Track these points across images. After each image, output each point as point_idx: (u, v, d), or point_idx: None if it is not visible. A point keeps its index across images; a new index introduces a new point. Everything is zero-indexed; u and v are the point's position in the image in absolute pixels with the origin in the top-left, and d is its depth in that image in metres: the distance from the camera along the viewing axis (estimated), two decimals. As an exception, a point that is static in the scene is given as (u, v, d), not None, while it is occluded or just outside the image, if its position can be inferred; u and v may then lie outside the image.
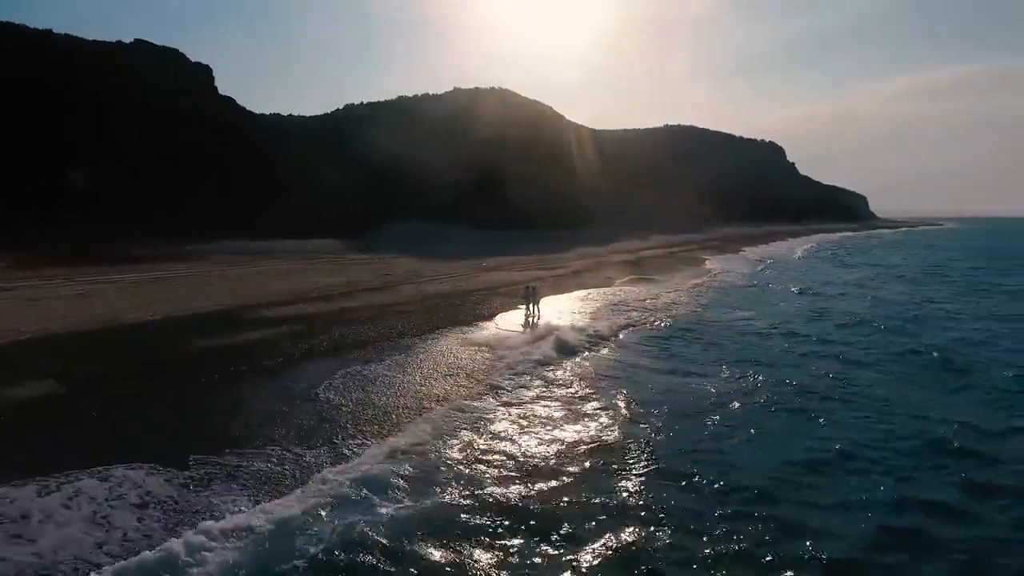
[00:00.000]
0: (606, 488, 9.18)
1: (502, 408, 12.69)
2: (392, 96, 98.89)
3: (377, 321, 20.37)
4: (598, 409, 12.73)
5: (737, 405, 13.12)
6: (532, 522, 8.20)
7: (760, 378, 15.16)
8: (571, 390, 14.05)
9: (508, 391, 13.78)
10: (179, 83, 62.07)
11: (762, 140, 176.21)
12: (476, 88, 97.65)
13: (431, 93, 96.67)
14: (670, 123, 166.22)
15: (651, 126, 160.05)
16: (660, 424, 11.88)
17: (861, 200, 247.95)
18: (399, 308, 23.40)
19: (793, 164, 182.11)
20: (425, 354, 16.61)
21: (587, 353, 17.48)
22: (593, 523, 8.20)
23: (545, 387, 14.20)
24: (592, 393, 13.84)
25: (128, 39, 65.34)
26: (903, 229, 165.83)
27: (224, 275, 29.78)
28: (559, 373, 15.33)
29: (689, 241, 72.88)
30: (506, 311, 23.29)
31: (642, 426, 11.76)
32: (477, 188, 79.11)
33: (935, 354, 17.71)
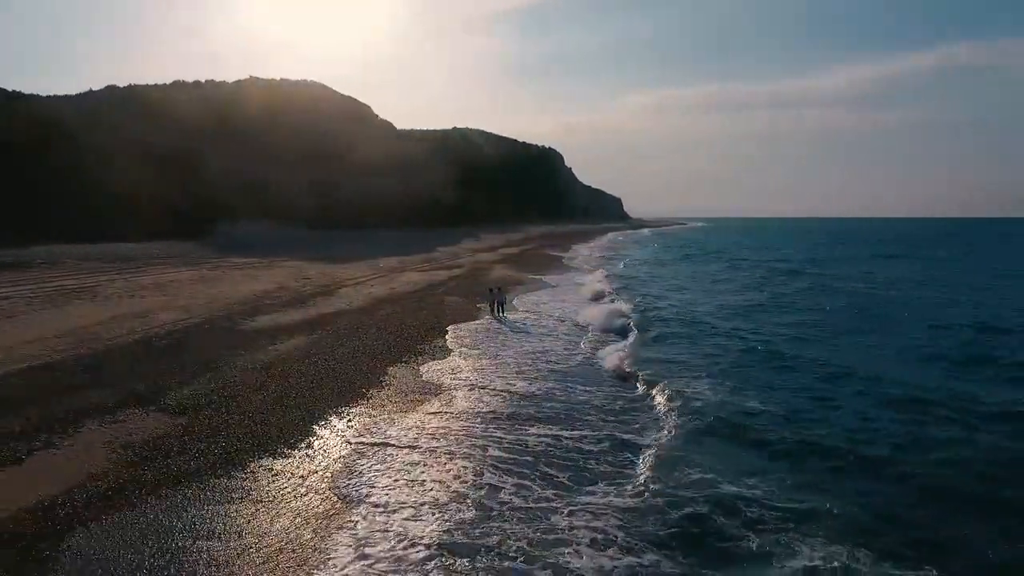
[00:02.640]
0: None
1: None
2: (186, 79, 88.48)
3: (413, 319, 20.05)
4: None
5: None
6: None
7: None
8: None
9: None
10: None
11: (545, 146, 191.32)
12: (284, 80, 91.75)
13: (238, 80, 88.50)
14: (458, 126, 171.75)
15: (441, 127, 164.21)
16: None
17: (617, 201, 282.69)
18: (400, 308, 22.89)
19: (570, 168, 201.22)
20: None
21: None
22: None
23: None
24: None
25: None
26: (667, 228, 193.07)
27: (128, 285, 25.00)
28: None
29: (525, 239, 77.76)
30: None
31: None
32: (307, 187, 75.01)
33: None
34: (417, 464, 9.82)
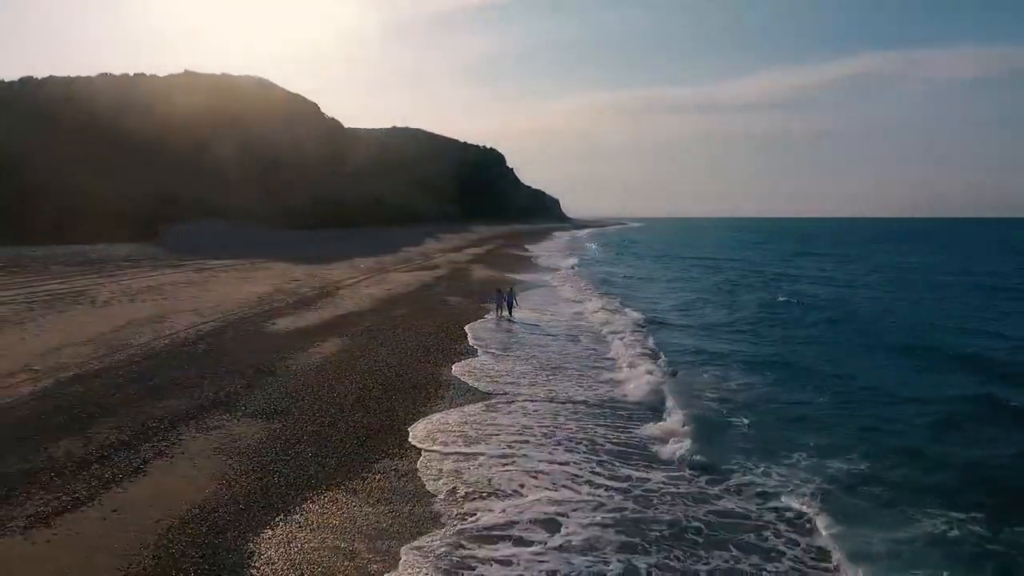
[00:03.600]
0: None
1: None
2: (114, 72, 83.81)
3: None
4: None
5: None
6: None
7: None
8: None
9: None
10: None
11: (487, 147, 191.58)
12: (225, 75, 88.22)
13: (172, 74, 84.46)
14: (397, 125, 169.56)
15: (381, 127, 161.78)
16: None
17: (556, 202, 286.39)
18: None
19: (512, 169, 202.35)
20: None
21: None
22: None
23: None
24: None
25: None
26: (609, 228, 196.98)
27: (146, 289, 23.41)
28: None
29: (481, 239, 77.93)
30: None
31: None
32: (253, 186, 72.44)
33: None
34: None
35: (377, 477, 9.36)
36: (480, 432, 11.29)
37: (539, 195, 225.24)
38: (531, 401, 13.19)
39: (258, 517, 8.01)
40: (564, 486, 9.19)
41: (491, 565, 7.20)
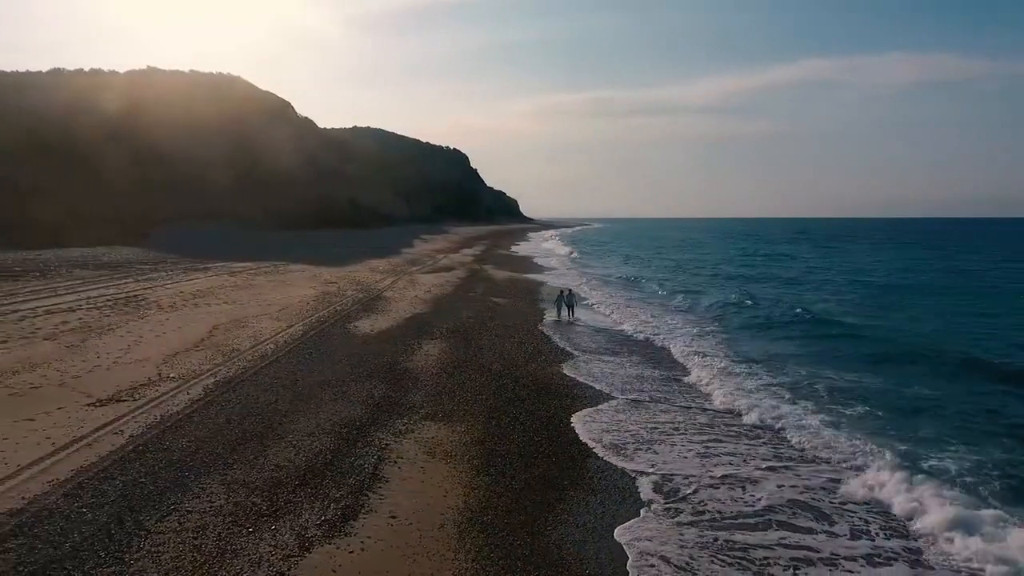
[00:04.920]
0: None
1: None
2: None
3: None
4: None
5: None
6: None
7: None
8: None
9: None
10: None
11: (450, 147, 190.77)
12: (194, 71, 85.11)
13: (134, 70, 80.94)
14: (359, 124, 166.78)
15: (344, 126, 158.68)
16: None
17: (515, 203, 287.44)
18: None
19: (476, 170, 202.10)
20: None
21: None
22: None
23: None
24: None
25: None
26: (574, 228, 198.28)
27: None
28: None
29: (466, 240, 77.68)
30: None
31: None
32: (232, 186, 70.21)
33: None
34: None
35: (589, 474, 9.56)
36: (644, 429, 11.57)
37: (502, 196, 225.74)
38: (655, 401, 13.49)
39: (518, 517, 8.09)
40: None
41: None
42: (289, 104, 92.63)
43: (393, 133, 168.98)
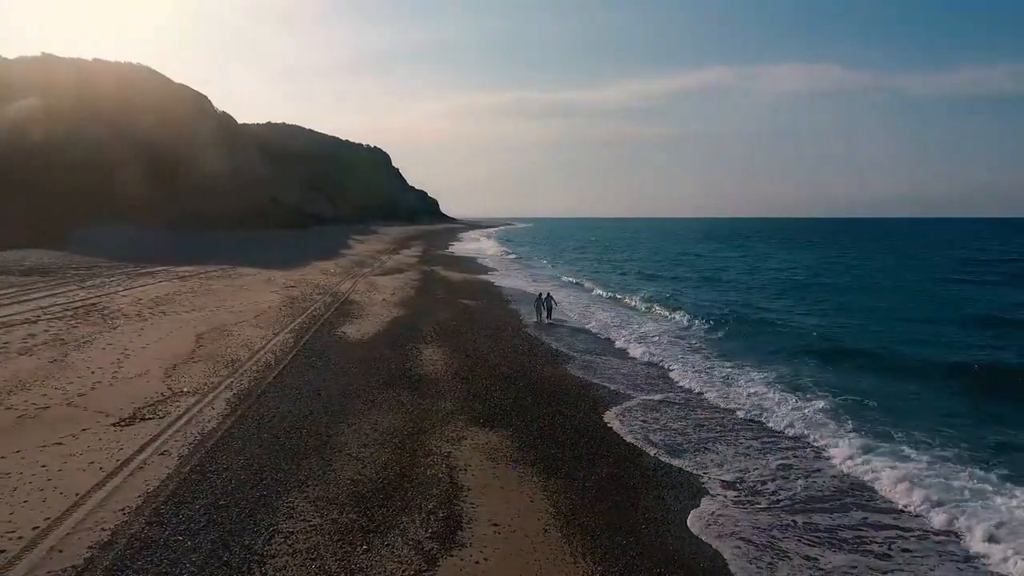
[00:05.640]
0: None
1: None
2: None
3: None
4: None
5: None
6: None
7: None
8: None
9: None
10: None
11: (371, 145, 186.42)
12: (98, 60, 78.83)
13: (23, 56, 74.06)
14: (273, 120, 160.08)
15: (258, 121, 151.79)
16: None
17: (435, 202, 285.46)
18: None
19: (398, 169, 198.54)
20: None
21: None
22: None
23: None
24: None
25: None
26: (500, 228, 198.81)
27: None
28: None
29: (399, 240, 76.39)
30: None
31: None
32: (147, 185, 65.69)
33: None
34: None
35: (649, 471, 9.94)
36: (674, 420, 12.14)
37: (424, 196, 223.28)
38: (678, 400, 14.15)
39: (610, 517, 8.35)
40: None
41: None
42: (206, 98, 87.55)
43: (310, 130, 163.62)
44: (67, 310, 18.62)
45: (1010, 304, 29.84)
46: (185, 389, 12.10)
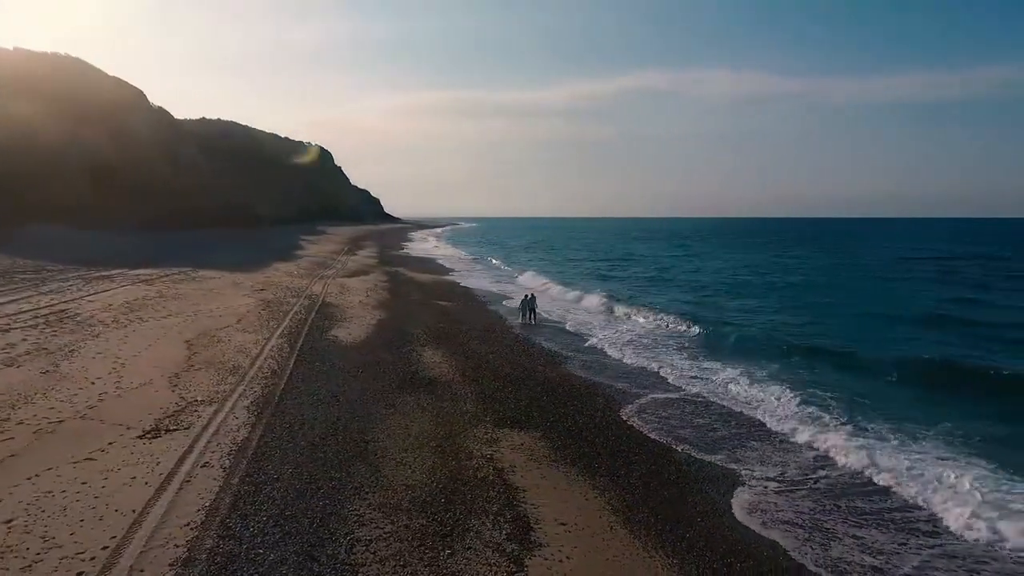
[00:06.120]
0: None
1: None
2: None
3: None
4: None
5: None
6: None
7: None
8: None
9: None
10: None
11: (311, 143, 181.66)
12: (19, 49, 73.93)
13: None
14: (207, 116, 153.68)
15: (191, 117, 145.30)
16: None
17: (378, 202, 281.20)
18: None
19: (340, 167, 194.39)
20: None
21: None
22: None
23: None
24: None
25: None
26: (448, 227, 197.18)
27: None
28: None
29: (352, 241, 75.00)
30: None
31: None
32: (77, 182, 62.09)
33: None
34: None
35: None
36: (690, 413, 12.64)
37: (365, 194, 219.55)
38: (692, 397, 14.69)
39: (667, 510, 8.69)
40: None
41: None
42: (142, 92, 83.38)
43: (249, 127, 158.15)
44: (36, 317, 17.52)
45: (943, 300, 32.11)
46: (199, 398, 11.68)
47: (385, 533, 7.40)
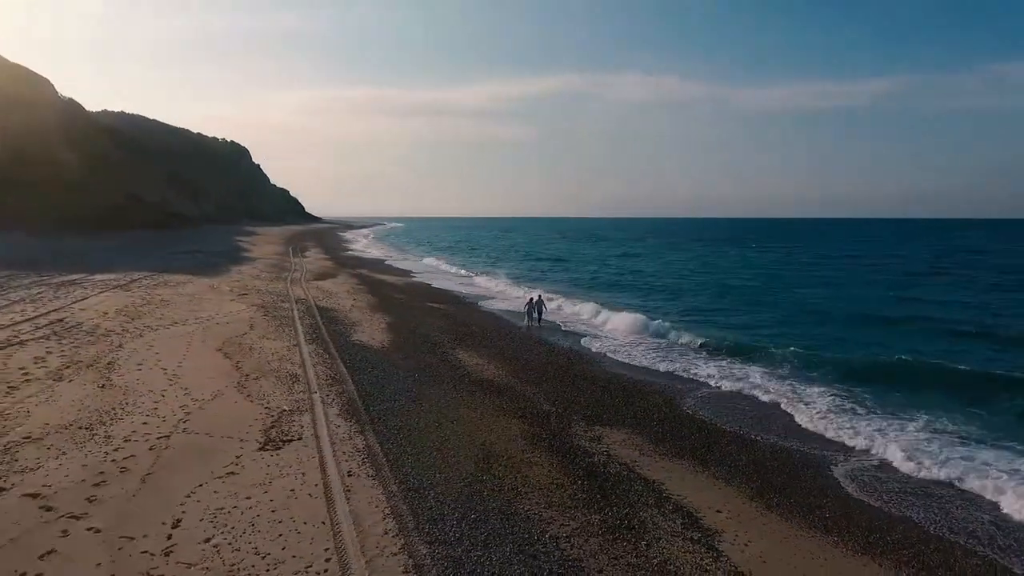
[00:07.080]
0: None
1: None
2: None
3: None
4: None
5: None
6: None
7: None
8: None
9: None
10: None
11: (227, 139, 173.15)
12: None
13: None
14: (125, 110, 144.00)
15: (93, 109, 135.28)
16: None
17: (297, 201, 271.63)
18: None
19: (259, 165, 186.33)
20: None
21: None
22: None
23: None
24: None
25: None
26: (375, 227, 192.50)
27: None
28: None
29: (289, 242, 72.34)
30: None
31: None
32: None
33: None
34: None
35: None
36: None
37: (285, 193, 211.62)
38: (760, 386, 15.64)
39: (793, 495, 9.44)
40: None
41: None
42: (48, 81, 76.80)
43: (162, 122, 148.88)
44: (37, 328, 16.18)
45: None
46: (285, 407, 11.35)
47: (573, 529, 7.67)
